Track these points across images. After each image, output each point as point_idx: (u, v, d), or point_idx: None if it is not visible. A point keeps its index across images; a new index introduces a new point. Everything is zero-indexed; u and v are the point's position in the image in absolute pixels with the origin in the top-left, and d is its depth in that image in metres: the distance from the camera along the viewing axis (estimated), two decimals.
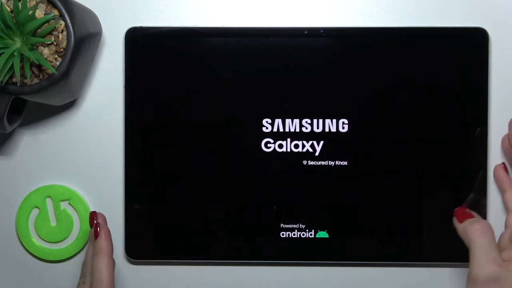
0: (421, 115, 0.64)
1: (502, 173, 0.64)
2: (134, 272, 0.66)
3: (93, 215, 0.62)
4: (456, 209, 0.60)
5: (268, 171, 0.64)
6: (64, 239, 0.66)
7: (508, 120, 0.65)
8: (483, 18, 0.64)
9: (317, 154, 0.64)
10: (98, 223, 0.61)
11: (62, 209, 0.66)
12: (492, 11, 0.65)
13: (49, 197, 0.66)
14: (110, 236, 0.61)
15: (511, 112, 0.65)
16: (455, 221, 0.59)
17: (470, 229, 0.57)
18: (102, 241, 0.60)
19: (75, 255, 0.66)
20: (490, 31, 0.64)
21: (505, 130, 0.65)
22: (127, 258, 0.66)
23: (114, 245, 0.65)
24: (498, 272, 0.54)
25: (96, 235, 0.60)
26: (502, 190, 0.65)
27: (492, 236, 0.56)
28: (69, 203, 0.66)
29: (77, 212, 0.66)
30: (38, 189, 0.66)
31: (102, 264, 0.59)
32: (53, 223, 0.66)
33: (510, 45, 0.65)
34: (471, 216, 0.58)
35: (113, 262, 0.60)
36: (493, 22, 0.64)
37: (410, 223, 0.64)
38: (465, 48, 0.63)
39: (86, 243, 0.66)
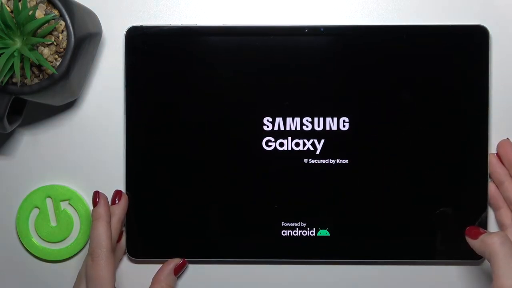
0: (421, 113, 0.64)
1: (494, 190, 0.64)
2: (135, 271, 0.66)
3: (96, 192, 0.63)
4: (467, 228, 0.59)
5: (269, 169, 0.64)
6: (64, 239, 0.66)
7: (509, 119, 0.65)
8: (483, 16, 0.64)
9: (318, 152, 0.64)
10: (98, 192, 0.63)
11: (62, 209, 0.66)
12: (492, 9, 0.65)
13: (49, 197, 0.66)
14: (108, 204, 0.63)
15: (511, 112, 0.65)
16: (469, 239, 0.59)
17: (489, 241, 0.56)
18: (100, 208, 0.62)
19: (75, 255, 0.66)
20: (491, 29, 0.64)
21: (505, 130, 0.65)
22: (128, 257, 0.66)
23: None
24: None
25: (95, 202, 0.62)
26: (496, 208, 0.64)
27: None
28: (69, 203, 0.66)
29: (77, 212, 0.66)
30: (38, 189, 0.66)
31: (101, 229, 0.61)
32: (53, 223, 0.66)
33: (510, 43, 0.65)
34: (484, 232, 0.58)
35: (110, 229, 0.62)
36: (494, 20, 0.64)
37: (411, 221, 0.64)
38: (466, 46, 0.63)
39: (86, 243, 0.66)
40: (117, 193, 0.64)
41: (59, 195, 0.66)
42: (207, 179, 0.64)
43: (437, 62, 0.64)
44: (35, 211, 0.66)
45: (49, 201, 0.66)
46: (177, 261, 0.65)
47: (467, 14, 0.65)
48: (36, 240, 0.66)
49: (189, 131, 0.64)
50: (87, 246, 0.66)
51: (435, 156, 0.64)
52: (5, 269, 0.67)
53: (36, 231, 0.66)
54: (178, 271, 0.65)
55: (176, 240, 0.65)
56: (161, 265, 0.65)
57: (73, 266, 0.66)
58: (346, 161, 0.64)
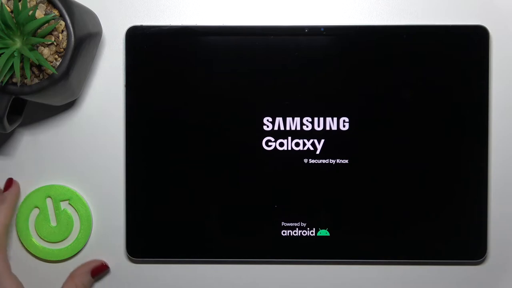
0: (421, 113, 0.64)
1: None
2: (134, 271, 0.66)
3: (11, 179, 0.65)
4: None
5: (269, 169, 0.64)
6: (64, 239, 0.66)
7: (509, 119, 0.65)
8: (483, 16, 0.64)
9: (318, 152, 0.64)
10: (11, 179, 0.65)
11: (62, 209, 0.66)
12: (492, 9, 0.65)
13: (49, 197, 0.66)
14: (18, 191, 0.65)
15: (511, 112, 0.65)
16: None
17: None
18: (9, 193, 0.64)
19: (75, 255, 0.66)
20: (491, 29, 0.64)
21: (505, 130, 0.65)
22: (128, 257, 0.66)
23: (115, 244, 0.66)
24: None
25: (6, 187, 0.65)
26: None
27: None
28: (69, 203, 0.66)
29: (77, 212, 0.66)
30: (38, 189, 0.66)
31: (2, 207, 0.63)
32: (53, 223, 0.66)
33: (510, 43, 0.65)
34: None
35: (12, 212, 0.64)
36: (494, 20, 0.64)
37: (411, 221, 0.64)
38: (466, 46, 0.64)
39: (86, 243, 0.66)
40: (9, 181, 0.65)
41: (59, 195, 0.66)
42: (207, 179, 0.64)
43: (437, 62, 0.64)
44: (35, 211, 0.66)
45: (49, 201, 0.66)
46: (97, 262, 0.65)
47: (467, 14, 0.65)
48: (36, 240, 0.66)
49: (189, 131, 0.64)
50: (87, 246, 0.66)
51: (435, 156, 0.64)
52: None
53: (36, 231, 0.66)
54: (96, 274, 0.65)
55: (176, 240, 0.65)
56: (161, 265, 0.65)
57: (73, 266, 0.66)
58: (346, 161, 0.64)
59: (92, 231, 0.66)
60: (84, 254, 0.66)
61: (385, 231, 0.64)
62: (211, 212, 0.64)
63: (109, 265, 0.66)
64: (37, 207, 0.66)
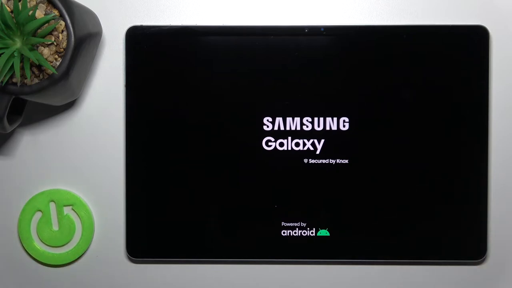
0: (421, 113, 0.64)
1: None
2: (135, 271, 0.66)
3: None
4: None
5: (269, 169, 0.64)
6: (65, 244, 0.66)
7: (509, 119, 0.65)
8: (483, 16, 0.64)
9: (318, 152, 0.64)
10: None
11: (65, 214, 0.66)
12: (492, 9, 0.65)
13: (53, 201, 0.65)
14: None
15: (511, 112, 0.65)
16: None
17: None
18: None
19: (75, 260, 0.66)
20: (491, 29, 0.64)
21: (505, 130, 0.65)
22: (128, 257, 0.66)
23: (115, 244, 0.66)
24: None
25: None
26: None
27: None
28: (72, 209, 0.66)
29: (79, 218, 0.66)
30: (42, 192, 0.65)
31: None
32: (55, 228, 0.66)
33: (510, 43, 0.65)
34: None
35: None
36: (494, 20, 0.64)
37: (411, 221, 0.64)
38: (466, 46, 0.64)
39: (87, 249, 0.66)
40: None
41: (62, 200, 0.65)
42: (207, 179, 0.64)
43: (437, 62, 0.64)
44: (38, 214, 0.66)
45: (52, 205, 0.66)
46: None
47: (467, 14, 0.65)
48: (37, 243, 0.66)
49: (189, 131, 0.64)
50: (88, 252, 0.66)
51: (435, 156, 0.64)
52: (5, 271, 0.67)
53: (37, 234, 0.66)
54: None
55: (176, 240, 0.65)
56: (161, 265, 0.65)
57: (73, 272, 0.66)
58: (346, 161, 0.64)
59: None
60: (84, 255, 0.66)
61: (385, 231, 0.64)
62: (211, 212, 0.64)
63: (109, 265, 0.66)
64: (40, 210, 0.66)
